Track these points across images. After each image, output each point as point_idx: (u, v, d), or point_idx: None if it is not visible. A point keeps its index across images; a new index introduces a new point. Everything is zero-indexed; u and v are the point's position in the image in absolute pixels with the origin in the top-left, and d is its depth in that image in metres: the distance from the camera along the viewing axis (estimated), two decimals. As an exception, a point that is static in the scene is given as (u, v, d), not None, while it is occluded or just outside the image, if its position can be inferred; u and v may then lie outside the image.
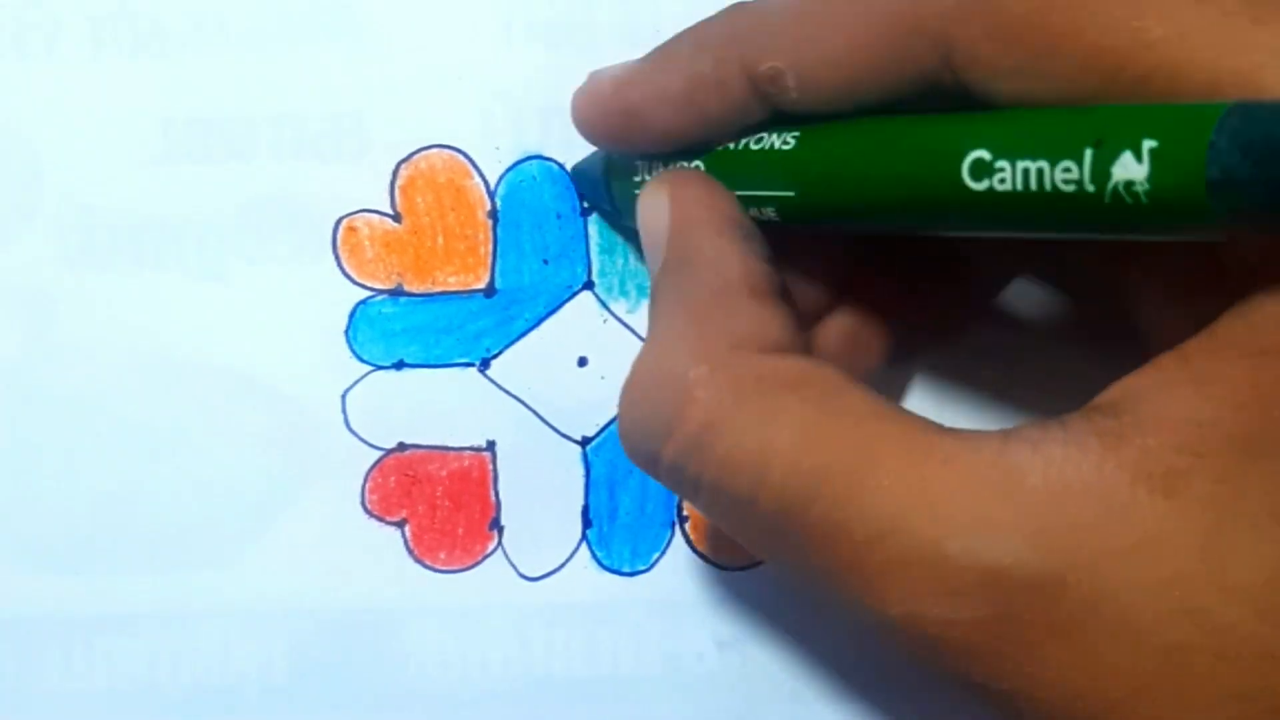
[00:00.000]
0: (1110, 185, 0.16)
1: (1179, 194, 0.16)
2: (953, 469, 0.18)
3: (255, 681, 0.26)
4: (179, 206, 0.26)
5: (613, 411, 0.27)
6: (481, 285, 0.27)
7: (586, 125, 0.24)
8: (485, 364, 0.27)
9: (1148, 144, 0.16)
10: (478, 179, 0.27)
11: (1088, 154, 0.17)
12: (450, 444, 0.27)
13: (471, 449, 0.27)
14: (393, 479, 0.27)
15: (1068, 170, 0.17)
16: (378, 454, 0.27)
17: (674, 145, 0.23)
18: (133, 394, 0.26)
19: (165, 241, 0.26)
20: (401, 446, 0.27)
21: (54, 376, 0.26)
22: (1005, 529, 0.17)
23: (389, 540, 0.27)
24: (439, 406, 0.26)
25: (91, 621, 0.26)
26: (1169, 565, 0.17)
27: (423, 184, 0.27)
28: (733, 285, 0.21)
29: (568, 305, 0.27)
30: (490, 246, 0.27)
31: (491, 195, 0.27)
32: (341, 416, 0.26)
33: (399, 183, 0.27)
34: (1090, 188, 0.17)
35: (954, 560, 0.18)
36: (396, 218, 0.27)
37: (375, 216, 0.27)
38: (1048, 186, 0.17)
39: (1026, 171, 0.17)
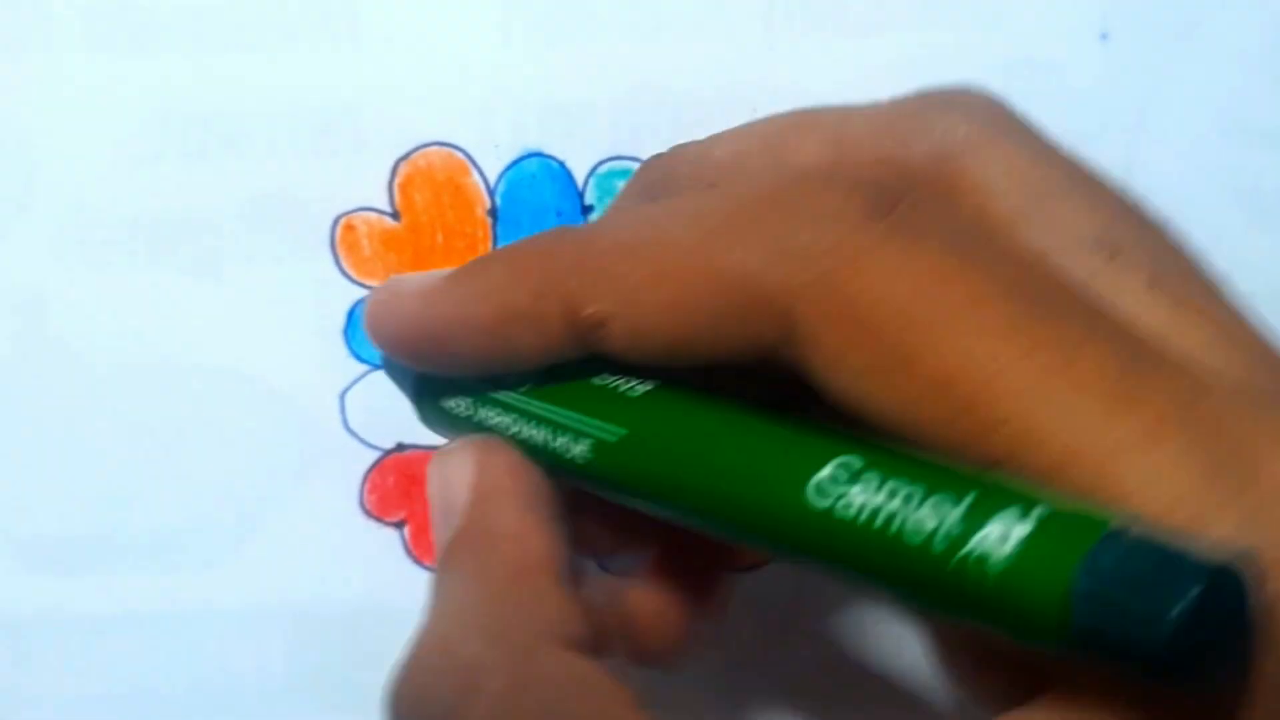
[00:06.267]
0: (966, 550, 0.14)
1: (1036, 596, 0.14)
2: None
3: (253, 681, 0.26)
4: (174, 204, 0.26)
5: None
6: (481, 284, 0.27)
7: (383, 342, 0.22)
8: (484, 363, 0.26)
9: (1021, 528, 0.14)
10: (477, 176, 0.26)
11: (968, 499, 0.15)
12: (449, 444, 0.26)
13: (471, 449, 0.27)
14: (391, 479, 0.26)
15: (938, 507, 0.15)
16: (376, 454, 0.26)
17: (479, 373, 0.22)
18: (128, 393, 0.26)
19: (161, 239, 0.26)
20: (400, 447, 0.26)
21: (48, 375, 0.26)
22: None
23: (388, 540, 0.26)
24: (438, 407, 0.26)
25: (90, 621, 0.26)
26: None
27: (421, 182, 0.26)
28: (538, 566, 0.20)
29: (568, 305, 0.26)
30: (490, 244, 0.26)
31: (491, 193, 0.26)
32: (340, 416, 0.26)
33: (397, 180, 0.26)
34: (943, 543, 0.14)
35: None
36: (395, 215, 0.26)
37: (373, 214, 0.26)
38: (897, 525, 0.15)
39: (894, 490, 0.15)
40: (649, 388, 0.19)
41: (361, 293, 0.26)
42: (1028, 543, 0.14)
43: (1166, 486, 0.15)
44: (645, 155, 0.26)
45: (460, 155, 0.26)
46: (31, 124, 0.26)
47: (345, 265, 0.26)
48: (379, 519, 0.26)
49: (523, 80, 0.26)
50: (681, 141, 0.24)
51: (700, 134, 0.26)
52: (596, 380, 0.20)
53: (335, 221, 0.26)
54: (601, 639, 0.20)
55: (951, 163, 0.19)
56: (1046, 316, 0.17)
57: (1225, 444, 0.16)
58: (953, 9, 0.26)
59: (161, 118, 0.26)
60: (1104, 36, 0.27)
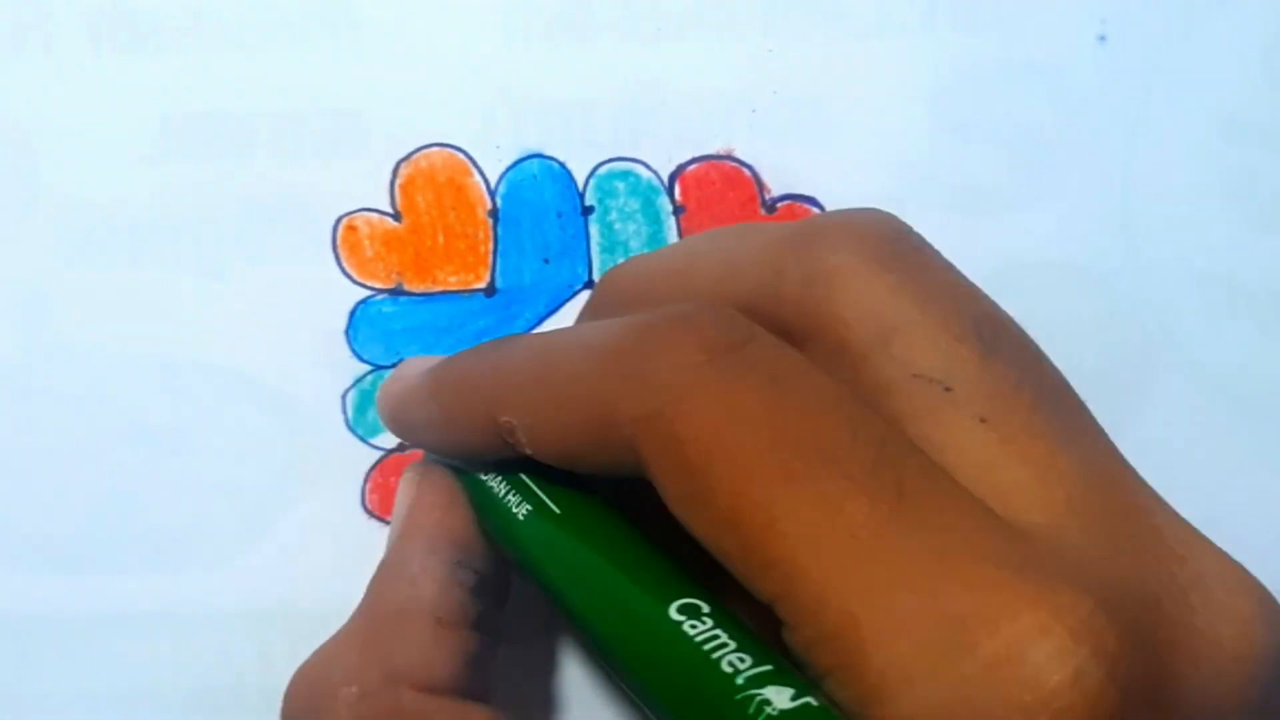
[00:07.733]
0: (756, 691, 0.17)
1: None
2: None
3: (255, 682, 0.26)
4: (177, 205, 0.26)
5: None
6: (482, 284, 0.27)
7: (383, 423, 0.24)
8: (486, 363, 0.27)
9: (801, 700, 0.17)
10: (478, 177, 0.26)
11: (771, 664, 0.17)
12: (451, 444, 0.26)
13: (472, 449, 0.27)
14: (393, 479, 0.26)
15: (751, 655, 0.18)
16: (378, 454, 0.26)
17: (449, 457, 0.23)
18: (131, 393, 0.26)
19: (163, 240, 0.26)
20: (402, 447, 0.26)
21: (51, 375, 0.26)
22: None
23: (389, 540, 0.26)
24: (439, 406, 0.26)
25: (91, 621, 0.26)
26: None
27: (423, 182, 0.26)
28: (418, 610, 0.21)
29: (568, 305, 0.27)
30: (491, 245, 0.27)
31: (492, 194, 0.27)
32: (342, 416, 0.26)
33: (399, 181, 0.26)
34: (743, 677, 0.17)
35: None
36: (396, 216, 0.26)
37: (375, 215, 0.26)
38: (720, 654, 0.18)
39: (728, 633, 0.18)
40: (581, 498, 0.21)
41: (363, 293, 0.26)
42: (800, 709, 0.17)
43: (888, 646, 0.16)
44: (645, 155, 0.26)
45: (461, 156, 0.26)
46: (34, 124, 0.26)
47: (347, 266, 0.26)
48: (381, 519, 0.26)
49: (523, 81, 0.26)
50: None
51: (699, 134, 0.26)
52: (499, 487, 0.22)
53: (337, 222, 0.26)
54: (482, 685, 0.22)
55: (817, 291, 0.20)
56: (827, 462, 0.17)
57: (961, 606, 0.16)
58: (951, 10, 0.26)
59: (163, 118, 0.26)
60: (1102, 38, 0.27)
